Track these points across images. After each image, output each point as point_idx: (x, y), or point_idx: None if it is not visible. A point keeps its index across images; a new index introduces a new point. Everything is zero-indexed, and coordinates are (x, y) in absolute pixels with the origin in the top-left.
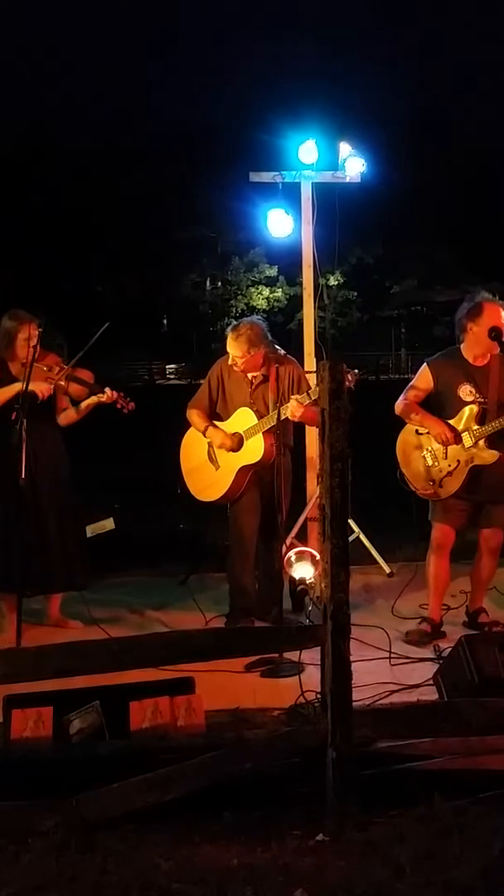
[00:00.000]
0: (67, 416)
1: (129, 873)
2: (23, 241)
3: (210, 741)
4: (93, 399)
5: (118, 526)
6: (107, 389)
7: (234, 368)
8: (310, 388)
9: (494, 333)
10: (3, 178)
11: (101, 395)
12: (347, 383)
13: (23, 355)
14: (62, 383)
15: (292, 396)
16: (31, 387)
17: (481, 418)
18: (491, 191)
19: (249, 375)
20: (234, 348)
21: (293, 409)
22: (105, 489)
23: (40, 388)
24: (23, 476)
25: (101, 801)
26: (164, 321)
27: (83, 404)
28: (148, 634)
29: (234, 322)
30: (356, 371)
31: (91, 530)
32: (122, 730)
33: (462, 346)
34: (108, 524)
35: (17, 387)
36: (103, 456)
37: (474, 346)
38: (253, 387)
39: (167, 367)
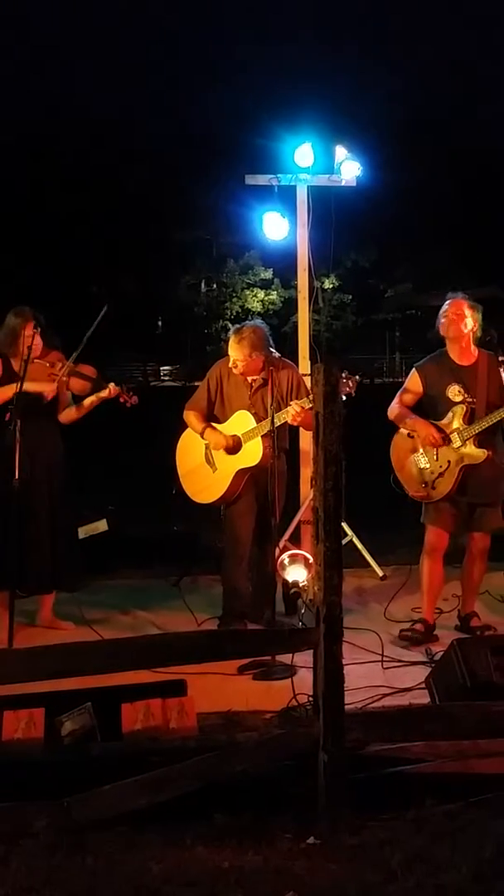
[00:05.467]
0: (69, 414)
1: (120, 875)
2: (18, 242)
3: (202, 743)
4: (95, 396)
5: (111, 527)
6: (110, 385)
7: (234, 371)
8: (309, 393)
9: (488, 339)
10: (2, 177)
11: (103, 390)
12: (348, 389)
13: (24, 352)
14: (65, 379)
15: (293, 401)
16: (37, 388)
17: (469, 418)
18: (487, 195)
19: (249, 379)
20: (236, 351)
21: (294, 413)
22: (98, 490)
23: (46, 389)
24: (16, 478)
25: (92, 802)
26: (159, 323)
27: (86, 401)
28: (140, 636)
29: (237, 325)
30: (357, 377)
31: (84, 532)
32: (114, 732)
33: (446, 347)
34: (101, 525)
35: (14, 387)
36: (97, 457)
37: (448, 333)
38: (252, 390)
39: (161, 368)
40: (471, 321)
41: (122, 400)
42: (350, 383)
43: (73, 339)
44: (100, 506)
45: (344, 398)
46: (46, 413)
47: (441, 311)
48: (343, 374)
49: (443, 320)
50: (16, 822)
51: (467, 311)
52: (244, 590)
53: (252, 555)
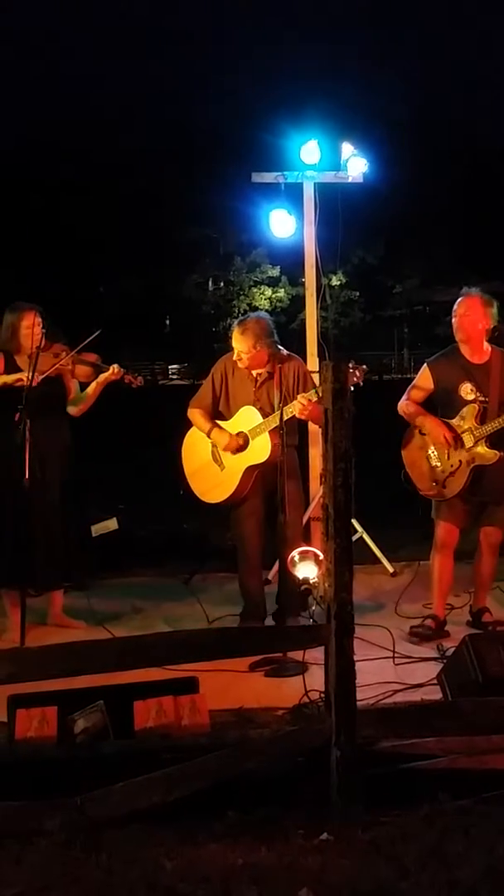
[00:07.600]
0: (78, 404)
1: (133, 873)
2: (24, 242)
3: (214, 741)
4: (100, 378)
5: (121, 526)
6: (113, 366)
7: (239, 364)
8: (315, 385)
9: (496, 333)
10: (3, 178)
11: (107, 372)
12: (356, 379)
13: (28, 345)
14: (69, 367)
15: (299, 395)
16: (15, 377)
17: (482, 417)
18: (493, 191)
19: (254, 373)
20: (240, 343)
21: (300, 407)
22: (108, 489)
23: (22, 376)
24: (26, 477)
25: (105, 800)
26: (167, 322)
27: (92, 385)
28: (152, 634)
29: (240, 318)
30: (364, 367)
31: (94, 531)
32: (127, 729)
33: (458, 344)
34: (112, 524)
35: (16, 375)
36: (106, 456)
37: (458, 336)
38: (257, 385)
39: (170, 367)
40: (485, 319)
41: (126, 381)
42: (357, 373)
43: (79, 340)
44: (110, 505)
45: (352, 388)
46: (54, 411)
47: (453, 309)
48: (350, 364)
49: (453, 320)
50: (29, 821)
51: (482, 309)
52: (254, 588)
53: (263, 553)
